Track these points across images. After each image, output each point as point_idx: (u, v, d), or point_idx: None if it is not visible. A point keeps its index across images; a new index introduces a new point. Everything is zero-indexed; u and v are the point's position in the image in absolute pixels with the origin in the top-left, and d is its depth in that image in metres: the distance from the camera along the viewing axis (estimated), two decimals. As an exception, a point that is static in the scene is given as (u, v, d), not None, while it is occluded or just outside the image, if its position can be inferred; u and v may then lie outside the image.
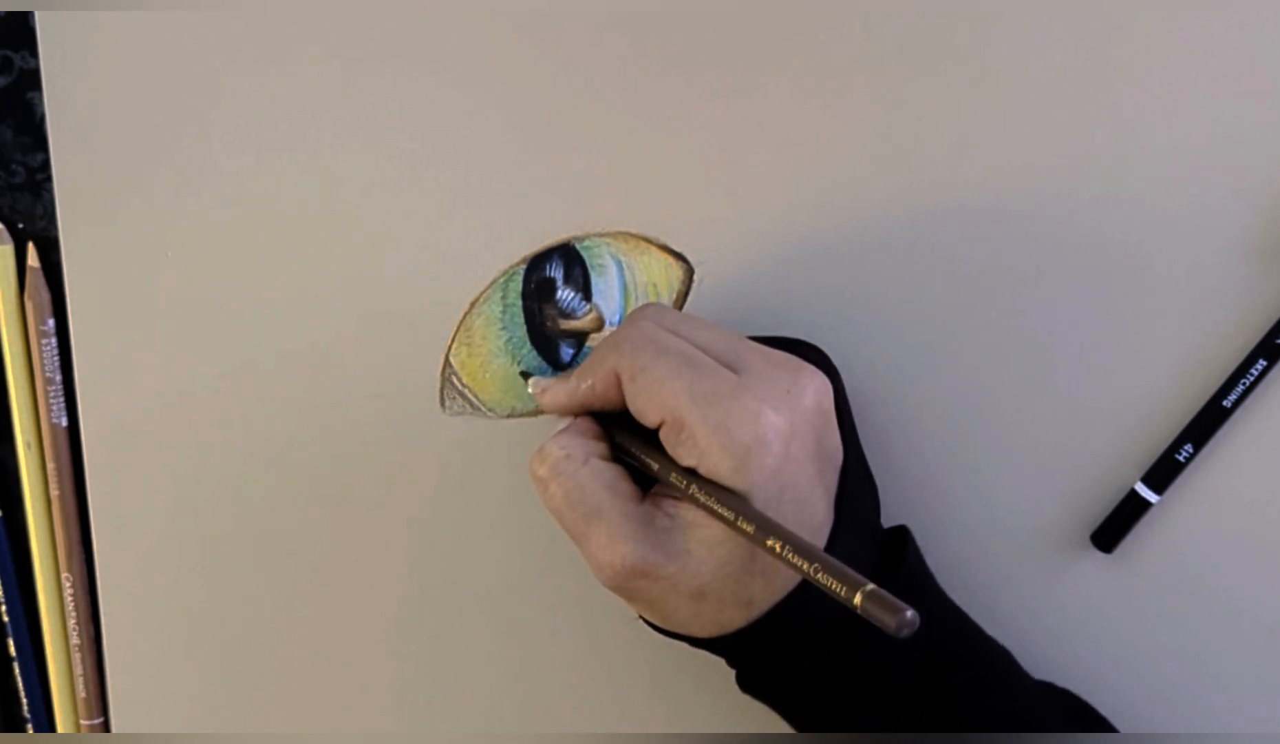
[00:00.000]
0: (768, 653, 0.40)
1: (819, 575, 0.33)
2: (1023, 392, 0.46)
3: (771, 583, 0.39)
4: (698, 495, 0.38)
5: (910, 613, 0.31)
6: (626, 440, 0.41)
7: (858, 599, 0.32)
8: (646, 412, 0.39)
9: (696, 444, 0.38)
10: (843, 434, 0.41)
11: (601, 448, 0.41)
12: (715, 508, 0.37)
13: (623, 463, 0.41)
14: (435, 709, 0.49)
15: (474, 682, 0.49)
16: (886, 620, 0.31)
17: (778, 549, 0.35)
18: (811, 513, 0.39)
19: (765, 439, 0.37)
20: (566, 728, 0.49)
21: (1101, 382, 0.46)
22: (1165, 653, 0.47)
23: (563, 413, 0.43)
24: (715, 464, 0.38)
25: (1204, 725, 0.47)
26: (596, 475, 0.40)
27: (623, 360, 0.40)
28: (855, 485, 0.41)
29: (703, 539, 0.38)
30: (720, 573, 0.38)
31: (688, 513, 0.39)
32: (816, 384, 0.39)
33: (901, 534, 0.43)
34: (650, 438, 0.40)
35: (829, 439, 0.40)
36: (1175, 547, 0.46)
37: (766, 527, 0.35)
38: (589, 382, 0.41)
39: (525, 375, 0.46)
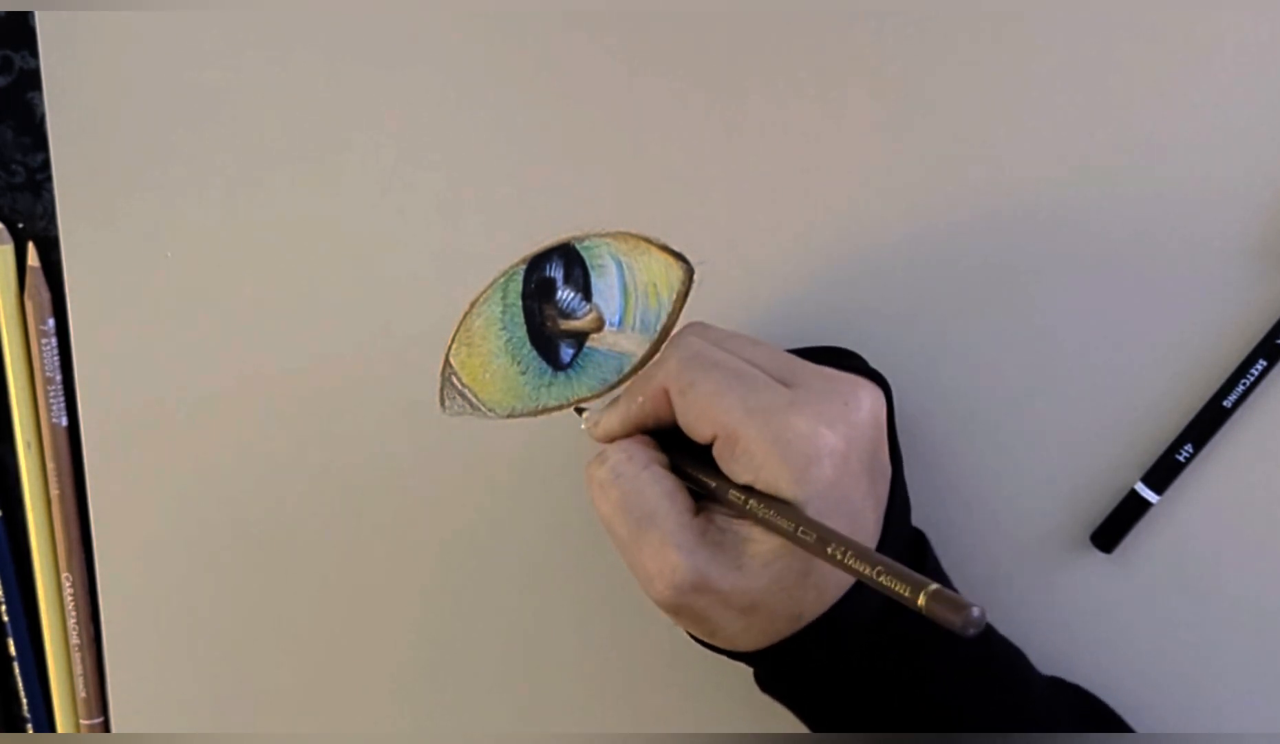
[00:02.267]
0: (805, 659, 0.40)
1: (882, 579, 0.33)
2: (1023, 392, 0.46)
3: (822, 594, 0.39)
4: (757, 509, 0.37)
5: (977, 611, 0.31)
6: (679, 458, 0.41)
7: (922, 600, 0.32)
8: (698, 427, 0.39)
9: (753, 458, 0.37)
10: (890, 445, 0.41)
11: (662, 457, 0.41)
12: (775, 520, 0.37)
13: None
14: (435, 709, 0.49)
15: (474, 681, 0.49)
16: (952, 619, 0.31)
17: (839, 556, 0.35)
18: (863, 525, 0.39)
19: (822, 454, 0.37)
20: (569, 728, 0.49)
21: (1101, 382, 0.46)
22: (1165, 653, 0.47)
23: (616, 438, 0.42)
24: (774, 477, 0.37)
25: (1204, 725, 0.47)
26: (656, 481, 0.39)
27: (671, 376, 0.40)
28: (900, 497, 0.41)
29: (757, 554, 0.38)
30: (774, 587, 0.38)
31: (740, 528, 0.38)
32: (872, 399, 0.39)
33: (918, 538, 0.43)
34: (701, 455, 0.40)
35: (882, 453, 0.40)
36: (1175, 547, 0.46)
37: (826, 535, 0.35)
38: (639, 400, 0.41)
39: (579, 410, 0.46)
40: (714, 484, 0.39)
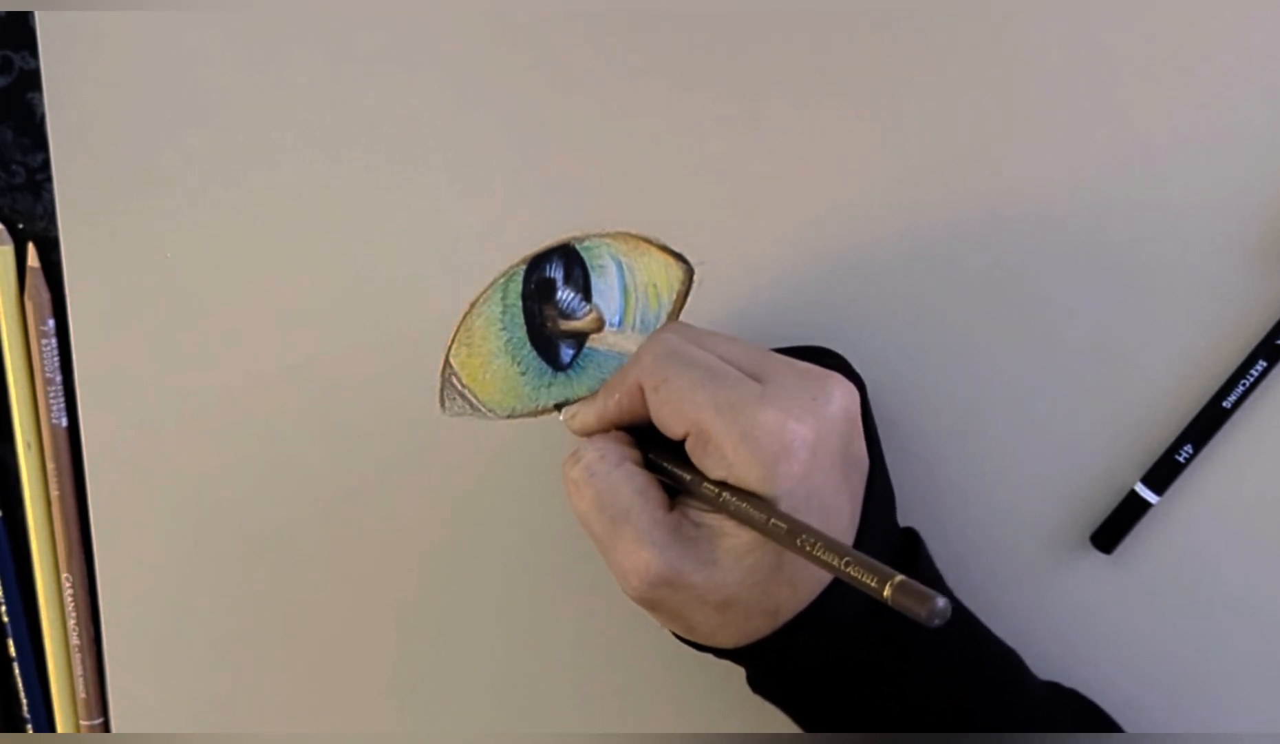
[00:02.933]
0: (789, 657, 0.40)
1: (849, 569, 0.33)
2: (1022, 392, 0.46)
3: (797, 590, 0.39)
4: (729, 502, 0.38)
5: (941, 601, 0.31)
6: (655, 454, 0.41)
7: (887, 591, 0.32)
8: (670, 423, 0.39)
9: (724, 455, 0.38)
10: (867, 440, 0.41)
11: (635, 454, 0.41)
12: (747, 513, 0.37)
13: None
14: (435, 709, 0.49)
15: (473, 682, 0.49)
16: (917, 610, 0.31)
17: (808, 548, 0.35)
18: (837, 519, 0.39)
19: (791, 447, 0.37)
20: (568, 728, 0.49)
21: (1101, 382, 0.46)
22: (1165, 653, 0.47)
23: (592, 433, 0.43)
24: (744, 473, 0.37)
25: (1204, 725, 0.47)
26: (629, 478, 0.40)
27: (645, 372, 0.40)
28: (879, 492, 0.41)
29: (729, 549, 0.38)
30: (747, 582, 0.38)
31: (715, 522, 0.39)
32: (843, 392, 0.39)
33: (910, 537, 0.43)
34: (677, 450, 0.40)
35: (855, 447, 0.40)
36: (1175, 547, 0.46)
37: (796, 527, 0.36)
38: (615, 396, 0.41)
39: (559, 407, 0.46)
40: (688, 479, 0.39)
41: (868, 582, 0.33)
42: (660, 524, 0.39)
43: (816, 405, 0.38)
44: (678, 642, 0.42)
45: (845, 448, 0.39)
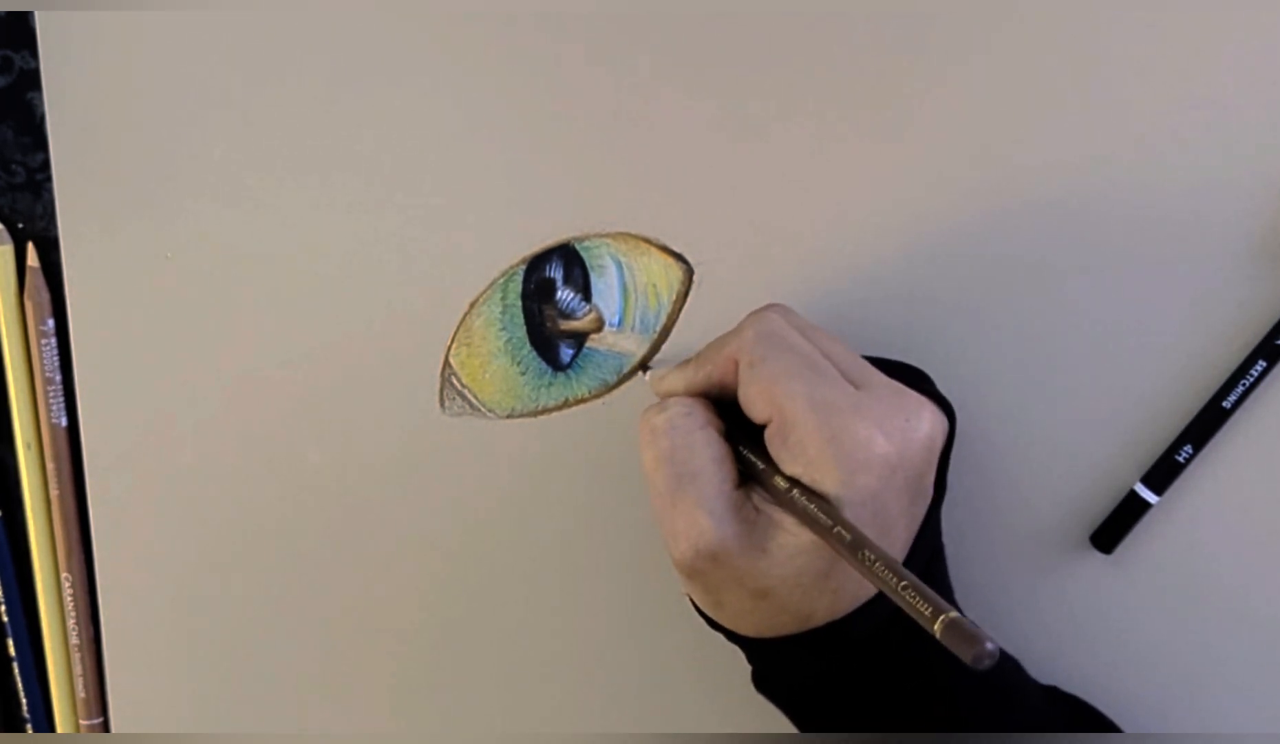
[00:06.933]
0: (804, 660, 0.40)
1: (905, 593, 0.33)
2: (1022, 392, 0.46)
3: (837, 601, 0.39)
4: (797, 501, 0.37)
5: (990, 645, 0.31)
6: (734, 433, 0.41)
7: (938, 626, 0.32)
8: (758, 403, 0.39)
9: (805, 449, 0.37)
10: (941, 469, 0.41)
11: (720, 424, 0.40)
12: (815, 515, 0.37)
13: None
14: (434, 708, 0.49)
15: (474, 681, 0.49)
16: (964, 650, 0.31)
17: (869, 562, 0.35)
18: (893, 540, 0.39)
19: (874, 462, 0.37)
20: (568, 728, 0.49)
21: (1101, 382, 0.46)
22: (1165, 653, 0.47)
23: (675, 396, 0.42)
24: (821, 475, 0.37)
25: (1204, 726, 0.47)
26: (709, 443, 0.39)
27: (744, 348, 0.39)
28: (935, 521, 0.41)
29: (784, 544, 0.38)
30: (791, 581, 0.38)
31: (775, 514, 0.38)
32: (933, 422, 0.39)
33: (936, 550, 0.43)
34: (754, 436, 0.39)
35: (928, 477, 0.40)
36: (1175, 547, 0.46)
37: (860, 540, 0.35)
38: (706, 368, 0.41)
39: (645, 368, 0.46)
40: (761, 466, 0.39)
41: (922, 610, 0.33)
42: (724, 497, 0.38)
43: (909, 428, 0.38)
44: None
45: (920, 476, 0.39)
